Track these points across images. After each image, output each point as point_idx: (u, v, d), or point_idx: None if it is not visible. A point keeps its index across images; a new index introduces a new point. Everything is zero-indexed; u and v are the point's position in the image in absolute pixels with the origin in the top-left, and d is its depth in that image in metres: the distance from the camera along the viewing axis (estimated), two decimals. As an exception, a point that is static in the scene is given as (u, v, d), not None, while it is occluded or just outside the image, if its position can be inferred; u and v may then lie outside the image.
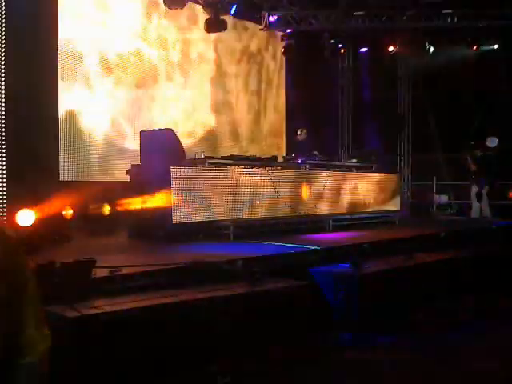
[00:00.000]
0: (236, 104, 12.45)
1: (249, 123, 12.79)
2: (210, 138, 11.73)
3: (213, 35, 11.48)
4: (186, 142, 10.18)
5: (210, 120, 11.82)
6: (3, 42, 5.82)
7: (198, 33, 11.33)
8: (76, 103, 9.09)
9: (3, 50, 5.81)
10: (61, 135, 8.30)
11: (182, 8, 10.39)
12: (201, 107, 11.59)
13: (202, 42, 11.58)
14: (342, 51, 13.58)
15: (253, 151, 11.54)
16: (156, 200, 7.16)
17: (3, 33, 5.82)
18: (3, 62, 5.82)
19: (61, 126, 8.27)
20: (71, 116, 8.98)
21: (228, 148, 11.76)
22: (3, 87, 5.82)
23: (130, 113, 10.08)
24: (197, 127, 11.47)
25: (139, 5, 10.30)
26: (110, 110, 9.72)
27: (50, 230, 6.18)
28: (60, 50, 8.18)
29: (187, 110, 11.27)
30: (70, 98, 8.92)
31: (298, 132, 10.55)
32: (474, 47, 12.39)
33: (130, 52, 10.09)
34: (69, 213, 6.99)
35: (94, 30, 9.38)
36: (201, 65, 11.61)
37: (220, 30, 11.06)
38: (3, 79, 5.82)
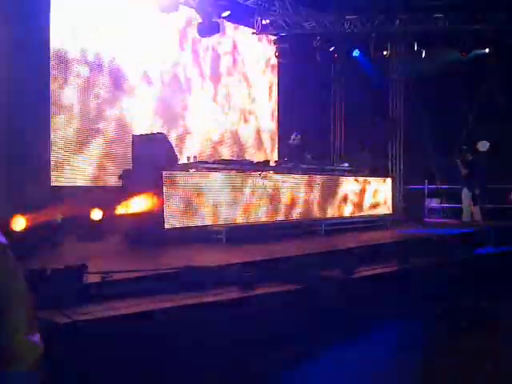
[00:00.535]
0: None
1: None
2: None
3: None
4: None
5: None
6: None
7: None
8: (69, 109, 9.05)
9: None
10: (53, 140, 8.25)
11: (176, 11, 10.35)
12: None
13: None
14: (335, 55, 13.60)
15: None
16: (148, 205, 7.13)
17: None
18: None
19: (53, 130, 8.24)
20: (64, 121, 8.93)
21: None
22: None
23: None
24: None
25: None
26: (104, 114, 9.67)
27: (42, 236, 6.14)
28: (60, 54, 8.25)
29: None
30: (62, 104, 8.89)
31: (292, 136, 10.57)
32: (466, 51, 12.44)
33: (123, 55, 10.07)
34: (60, 218, 6.94)
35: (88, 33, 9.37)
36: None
37: (213, 34, 11.04)
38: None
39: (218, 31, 11.04)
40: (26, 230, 5.87)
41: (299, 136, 10.49)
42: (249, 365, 4.24)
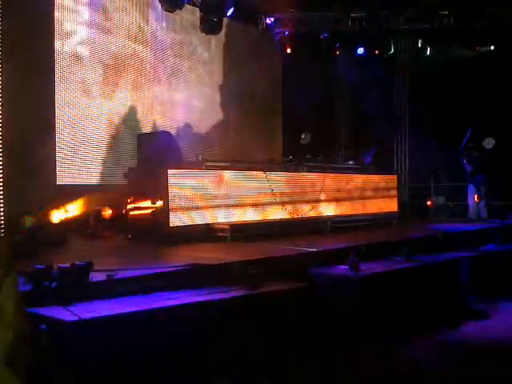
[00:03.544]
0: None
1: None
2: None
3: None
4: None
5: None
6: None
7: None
8: (74, 107, 9.06)
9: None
10: (58, 139, 8.27)
11: (180, 9, 10.37)
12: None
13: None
14: (339, 52, 13.59)
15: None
16: (153, 203, 7.14)
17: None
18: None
19: (57, 129, 8.26)
20: (69, 120, 8.94)
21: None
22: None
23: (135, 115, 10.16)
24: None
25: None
26: (108, 113, 9.67)
27: (48, 234, 6.16)
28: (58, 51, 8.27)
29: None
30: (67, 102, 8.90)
31: (302, 136, 10.57)
32: (471, 48, 12.40)
33: (126, 54, 10.09)
34: (66, 216, 6.97)
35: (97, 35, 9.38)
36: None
37: (216, 33, 11.07)
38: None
39: (221, 30, 11.08)
40: (33, 229, 5.89)
41: (309, 135, 10.51)
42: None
